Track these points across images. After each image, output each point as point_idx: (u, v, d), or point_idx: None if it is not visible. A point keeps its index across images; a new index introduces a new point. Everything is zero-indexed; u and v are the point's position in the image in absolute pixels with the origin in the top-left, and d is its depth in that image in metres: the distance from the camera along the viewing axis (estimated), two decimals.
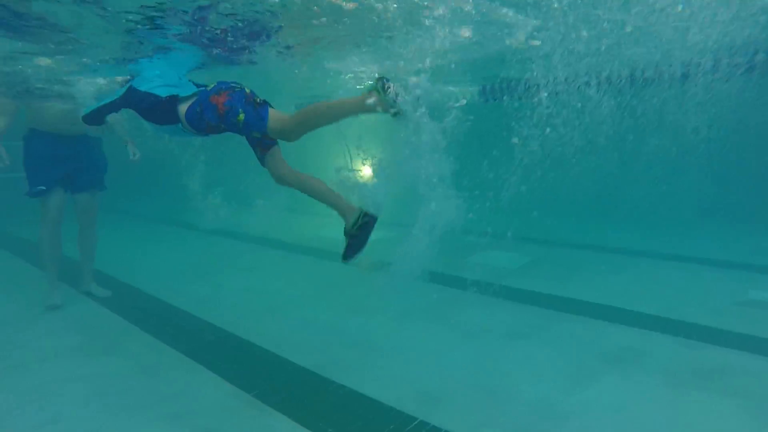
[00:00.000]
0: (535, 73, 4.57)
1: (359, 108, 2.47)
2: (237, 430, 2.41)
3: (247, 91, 2.66)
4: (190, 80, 3.03)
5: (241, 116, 2.54)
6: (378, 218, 2.84)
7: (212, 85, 2.74)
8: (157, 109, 2.81)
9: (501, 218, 9.13)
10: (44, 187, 4.08)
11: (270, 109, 2.59)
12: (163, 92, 2.81)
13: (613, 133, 8.98)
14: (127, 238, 7.53)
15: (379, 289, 4.86)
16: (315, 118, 2.56)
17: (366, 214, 2.76)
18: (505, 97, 4.57)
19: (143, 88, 2.91)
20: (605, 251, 6.44)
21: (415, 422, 2.48)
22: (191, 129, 2.78)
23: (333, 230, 8.36)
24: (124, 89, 3.02)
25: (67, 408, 2.61)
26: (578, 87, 4.65)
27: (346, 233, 2.79)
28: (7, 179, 9.06)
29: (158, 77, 2.98)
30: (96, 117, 3.14)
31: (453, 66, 4.32)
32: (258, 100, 2.63)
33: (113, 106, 3.08)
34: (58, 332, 3.66)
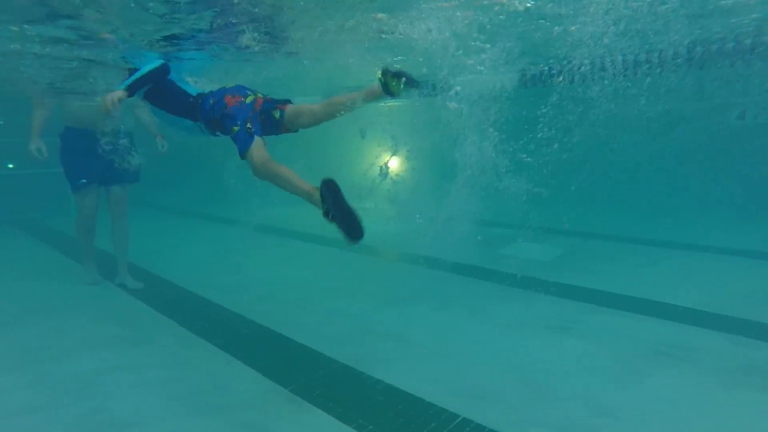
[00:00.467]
0: (573, 62, 4.40)
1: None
2: (279, 426, 2.38)
3: (257, 103, 2.88)
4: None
5: (235, 129, 2.74)
6: (335, 180, 2.67)
7: (232, 85, 2.99)
8: (181, 104, 3.05)
9: (531, 209, 8.97)
10: (85, 180, 4.28)
11: (255, 139, 2.70)
12: (192, 90, 3.08)
13: (644, 122, 8.70)
14: (155, 230, 7.64)
15: (411, 280, 4.81)
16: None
17: (323, 185, 2.63)
18: (544, 85, 4.40)
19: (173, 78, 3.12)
20: (639, 243, 6.23)
21: (458, 420, 2.41)
22: (202, 122, 3.01)
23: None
24: (156, 64, 3.05)
25: (112, 397, 2.63)
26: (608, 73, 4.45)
27: (326, 217, 2.71)
28: (43, 174, 9.33)
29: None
30: (133, 87, 3.00)
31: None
32: (253, 124, 2.77)
33: (145, 80, 3.01)
34: (99, 322, 3.72)
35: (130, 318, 3.84)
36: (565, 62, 4.39)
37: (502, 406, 2.51)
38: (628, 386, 2.67)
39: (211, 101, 2.93)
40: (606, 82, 4.47)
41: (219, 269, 5.30)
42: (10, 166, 9.76)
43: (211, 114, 2.92)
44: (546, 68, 4.55)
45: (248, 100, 2.87)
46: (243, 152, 2.72)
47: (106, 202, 4.55)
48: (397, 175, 13.38)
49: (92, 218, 4.47)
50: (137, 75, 2.95)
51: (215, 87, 3.08)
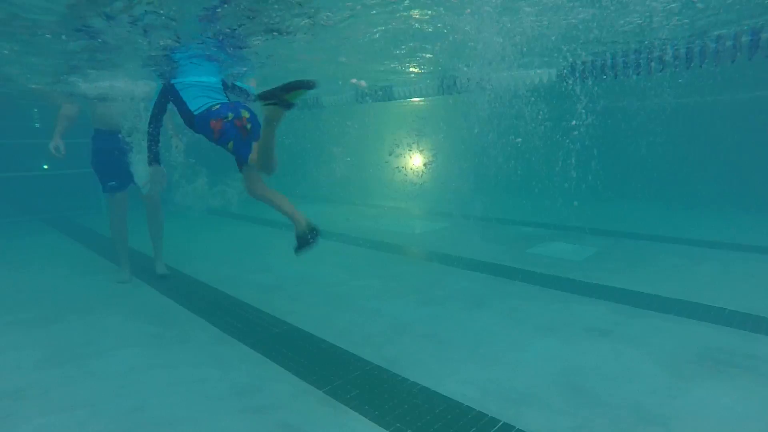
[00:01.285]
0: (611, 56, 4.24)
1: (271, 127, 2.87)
2: (315, 429, 2.35)
3: (242, 117, 3.16)
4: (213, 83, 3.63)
5: (230, 145, 3.15)
6: (320, 232, 3.25)
7: (216, 107, 3.25)
8: (186, 118, 3.38)
9: (559, 208, 8.78)
10: (115, 183, 4.36)
11: (254, 144, 3.10)
12: (193, 105, 3.35)
13: (682, 115, 8.40)
14: (183, 228, 7.75)
15: (442, 279, 4.73)
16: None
17: (313, 230, 3.19)
18: (586, 79, 4.25)
19: (179, 88, 3.48)
20: (676, 242, 5.99)
21: (499, 424, 2.33)
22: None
23: (388, 222, 8.30)
24: (159, 88, 3.62)
25: (151, 395, 2.65)
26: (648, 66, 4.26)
27: (297, 237, 3.22)
28: (75, 174, 9.59)
29: (192, 85, 3.51)
30: (154, 124, 3.59)
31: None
32: (248, 127, 3.15)
33: (158, 108, 3.59)
34: (135, 320, 3.77)
35: (164, 316, 3.88)
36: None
37: (545, 412, 2.42)
38: (678, 394, 2.54)
39: (201, 123, 3.26)
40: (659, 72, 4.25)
41: (249, 268, 5.33)
42: (45, 166, 10.08)
43: (205, 134, 3.28)
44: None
45: (230, 119, 3.16)
46: (246, 159, 3.17)
47: (140, 197, 4.70)
48: (423, 173, 13.28)
49: (123, 218, 4.68)
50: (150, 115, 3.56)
51: (210, 99, 3.39)
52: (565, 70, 4.38)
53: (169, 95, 3.53)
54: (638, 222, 7.39)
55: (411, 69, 5.79)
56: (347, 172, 13.25)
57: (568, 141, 9.97)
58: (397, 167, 13.17)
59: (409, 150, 13.05)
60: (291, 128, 13.87)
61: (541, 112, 10.13)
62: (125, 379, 2.85)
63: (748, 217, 7.22)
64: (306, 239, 3.17)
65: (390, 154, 12.85)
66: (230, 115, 3.17)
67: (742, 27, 3.90)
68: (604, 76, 4.23)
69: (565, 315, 3.72)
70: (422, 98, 7.85)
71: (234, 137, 3.13)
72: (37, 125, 9.76)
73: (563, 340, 3.27)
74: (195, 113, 3.30)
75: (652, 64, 4.11)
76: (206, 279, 4.89)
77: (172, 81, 3.62)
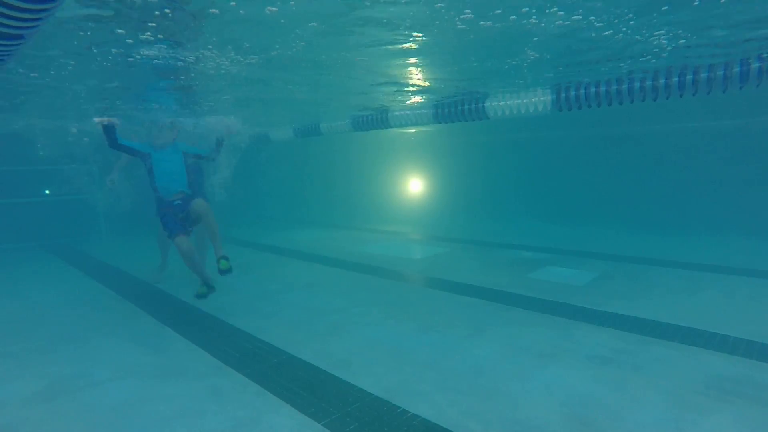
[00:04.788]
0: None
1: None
2: None
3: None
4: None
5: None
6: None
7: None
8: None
9: (557, 232, 8.77)
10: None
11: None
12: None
13: (682, 138, 8.48)
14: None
15: (441, 306, 4.69)
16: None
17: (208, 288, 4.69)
18: (582, 105, 4.29)
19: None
20: (679, 266, 5.96)
21: None
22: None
23: (387, 247, 8.25)
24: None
25: (147, 429, 2.59)
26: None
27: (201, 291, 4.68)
28: (73, 200, 9.62)
29: None
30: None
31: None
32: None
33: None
34: (132, 350, 3.71)
35: (161, 346, 3.82)
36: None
37: None
38: (685, 426, 2.48)
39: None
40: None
41: (246, 295, 5.29)
42: (47, 192, 10.11)
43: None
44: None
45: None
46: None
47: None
48: (420, 198, 13.37)
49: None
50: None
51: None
52: (563, 95, 4.40)
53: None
54: (638, 246, 7.37)
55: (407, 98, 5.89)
56: (347, 198, 13.31)
57: (564, 168, 10.07)
58: (397, 192, 13.23)
59: (409, 175, 13.14)
60: (289, 156, 14.00)
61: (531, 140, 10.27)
62: (120, 413, 2.78)
63: (748, 242, 7.21)
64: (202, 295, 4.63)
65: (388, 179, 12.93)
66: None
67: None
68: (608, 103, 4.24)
69: (567, 342, 3.67)
70: (418, 127, 8.01)
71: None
72: (41, 153, 9.87)
73: (565, 368, 3.21)
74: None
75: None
76: (204, 306, 4.84)
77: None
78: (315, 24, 3.08)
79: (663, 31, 3.32)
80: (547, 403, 2.76)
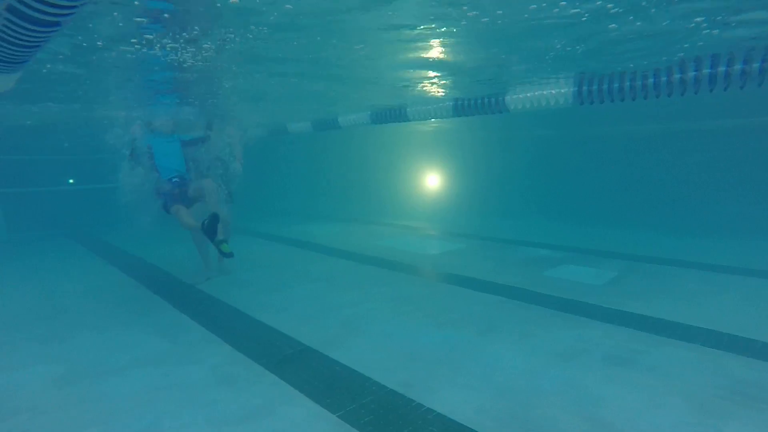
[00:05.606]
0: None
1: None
2: None
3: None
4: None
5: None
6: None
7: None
8: None
9: (574, 230, 8.65)
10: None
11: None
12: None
13: (704, 137, 8.27)
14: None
15: (456, 302, 4.67)
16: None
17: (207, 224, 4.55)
18: (605, 98, 4.16)
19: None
20: (697, 267, 5.82)
21: None
22: None
23: (403, 242, 8.25)
24: None
25: (163, 416, 2.64)
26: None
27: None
28: (97, 190, 9.83)
29: None
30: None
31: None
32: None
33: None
34: (150, 338, 3.79)
35: (179, 334, 3.89)
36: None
37: None
38: (708, 430, 2.43)
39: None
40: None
41: (262, 287, 5.34)
42: (71, 181, 10.36)
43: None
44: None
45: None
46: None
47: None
48: (436, 194, 13.29)
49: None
50: None
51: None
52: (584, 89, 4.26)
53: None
54: (656, 246, 7.22)
55: (426, 90, 5.85)
56: (363, 192, 13.33)
57: (585, 164, 9.91)
58: (414, 187, 13.20)
59: (426, 170, 13.09)
60: (307, 150, 14.06)
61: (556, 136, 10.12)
62: (138, 399, 2.85)
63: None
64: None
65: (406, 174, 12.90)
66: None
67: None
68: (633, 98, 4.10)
69: (583, 342, 3.63)
70: (438, 120, 7.96)
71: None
72: (66, 144, 10.10)
73: (581, 368, 3.18)
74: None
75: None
76: (221, 296, 4.92)
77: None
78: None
79: (701, 18, 3.18)
80: (562, 402, 2.74)
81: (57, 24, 1.57)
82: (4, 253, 7.62)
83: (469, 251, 7.33)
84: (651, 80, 3.81)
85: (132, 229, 9.81)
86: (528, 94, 4.71)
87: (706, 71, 3.63)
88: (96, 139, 8.50)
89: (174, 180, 5.10)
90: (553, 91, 4.51)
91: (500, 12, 2.99)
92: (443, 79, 5.11)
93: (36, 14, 1.48)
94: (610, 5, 2.91)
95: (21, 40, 1.74)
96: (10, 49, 1.91)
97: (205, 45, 3.62)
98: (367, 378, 3.07)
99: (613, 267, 5.98)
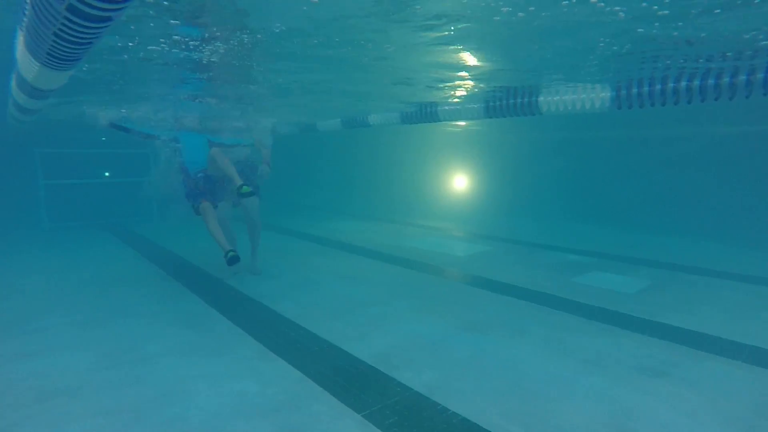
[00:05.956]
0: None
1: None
2: None
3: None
4: None
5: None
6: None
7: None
8: None
9: (604, 235, 8.42)
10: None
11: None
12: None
13: (751, 139, 7.91)
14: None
15: (483, 304, 4.61)
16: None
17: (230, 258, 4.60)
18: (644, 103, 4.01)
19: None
20: (742, 280, 5.55)
21: None
22: None
23: (430, 243, 8.20)
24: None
25: (192, 405, 2.70)
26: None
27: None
28: (131, 183, 10.14)
29: None
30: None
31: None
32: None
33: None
34: (180, 329, 3.89)
35: (207, 326, 3.97)
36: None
37: None
38: None
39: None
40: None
41: (288, 282, 5.40)
42: (107, 174, 10.74)
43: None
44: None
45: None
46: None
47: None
48: (463, 195, 13.15)
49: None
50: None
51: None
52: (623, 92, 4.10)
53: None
54: (694, 255, 6.95)
55: (455, 93, 5.78)
56: (390, 191, 13.33)
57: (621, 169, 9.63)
58: (440, 188, 13.12)
59: (453, 171, 12.99)
60: (334, 148, 14.15)
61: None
62: (167, 387, 2.92)
63: None
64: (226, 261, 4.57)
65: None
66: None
67: None
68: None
69: (615, 351, 3.52)
70: (468, 121, 7.89)
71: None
72: (103, 139, 10.48)
73: (613, 378, 3.08)
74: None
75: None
76: (247, 291, 5.00)
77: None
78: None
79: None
80: (592, 411, 2.66)
81: (109, 19, 1.62)
82: (46, 241, 7.96)
83: (496, 254, 7.22)
84: (697, 83, 3.65)
85: (163, 222, 10.12)
86: (563, 97, 4.59)
87: (760, 75, 3.45)
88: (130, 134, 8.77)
89: (199, 175, 5.20)
90: (590, 95, 4.37)
91: (532, 8, 2.91)
92: (474, 80, 5.04)
93: (91, 10, 1.53)
94: (655, 7, 2.80)
95: (77, 37, 1.81)
96: (68, 47, 1.99)
97: (232, 43, 3.66)
98: (392, 378, 3.05)
99: (644, 275, 5.78)
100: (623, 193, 9.56)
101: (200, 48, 3.75)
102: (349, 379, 3.06)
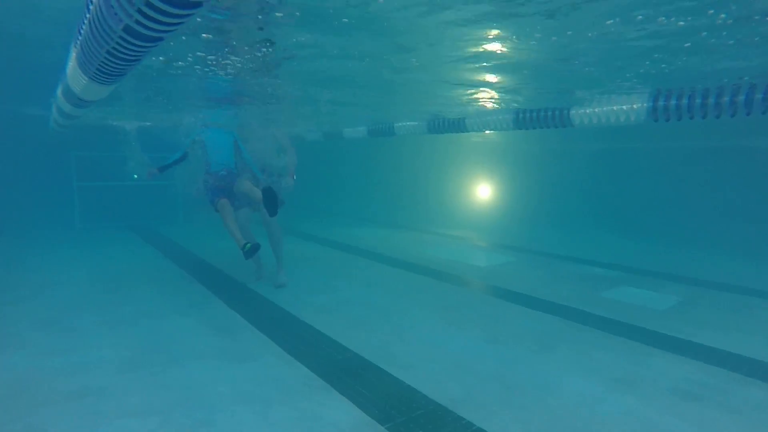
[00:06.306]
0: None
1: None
2: None
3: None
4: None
5: None
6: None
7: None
8: None
9: (632, 249, 8.20)
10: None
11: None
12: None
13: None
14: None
15: (507, 317, 4.53)
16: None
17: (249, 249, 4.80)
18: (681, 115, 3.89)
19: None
20: None
21: None
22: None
23: (453, 252, 8.12)
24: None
25: (217, 411, 2.71)
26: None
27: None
28: (157, 186, 10.36)
29: None
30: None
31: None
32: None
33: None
34: (206, 333, 3.93)
35: (231, 331, 4.01)
36: None
37: None
38: None
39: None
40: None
41: (310, 288, 5.42)
42: (135, 176, 11.01)
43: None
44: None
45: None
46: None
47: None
48: (487, 204, 12.99)
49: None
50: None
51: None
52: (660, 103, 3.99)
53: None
54: (729, 271, 6.69)
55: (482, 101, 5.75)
56: (412, 199, 13.29)
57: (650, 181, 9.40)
58: (463, 196, 13.03)
59: (476, 180, 12.89)
60: (358, 153, 14.22)
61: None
62: (193, 391, 2.94)
63: None
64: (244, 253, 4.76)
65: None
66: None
67: None
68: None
69: (645, 370, 3.40)
70: (494, 131, 7.82)
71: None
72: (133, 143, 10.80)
73: (644, 398, 2.97)
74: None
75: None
76: (270, 296, 5.03)
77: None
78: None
79: None
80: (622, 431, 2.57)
81: (160, 39, 1.67)
82: (77, 241, 8.20)
83: (520, 265, 7.11)
84: (742, 97, 3.54)
85: (188, 224, 10.31)
86: (595, 109, 4.50)
87: None
88: (155, 139, 9.01)
89: (221, 173, 5.24)
90: (624, 107, 4.27)
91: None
92: (503, 91, 5.00)
93: (146, 31, 1.57)
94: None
95: (126, 54, 1.87)
96: (116, 63, 2.07)
97: (258, 55, 3.73)
98: (417, 390, 3.01)
99: (675, 291, 5.60)
100: (651, 204, 9.32)
101: (223, 63, 3.87)
102: (372, 389, 3.03)
